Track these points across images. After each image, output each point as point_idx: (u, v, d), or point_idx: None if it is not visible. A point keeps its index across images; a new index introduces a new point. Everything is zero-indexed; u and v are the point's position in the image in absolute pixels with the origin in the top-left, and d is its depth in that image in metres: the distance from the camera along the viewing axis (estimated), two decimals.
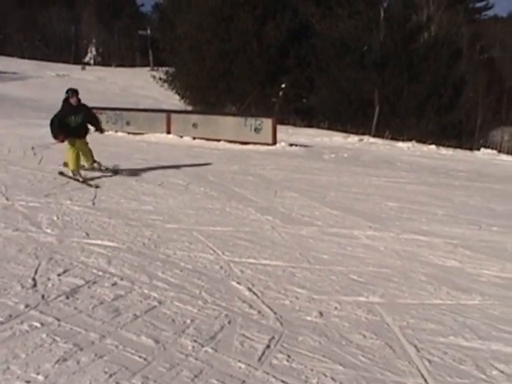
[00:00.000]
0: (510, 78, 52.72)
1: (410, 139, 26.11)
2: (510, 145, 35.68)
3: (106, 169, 12.88)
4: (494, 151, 25.15)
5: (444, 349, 5.03)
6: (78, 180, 11.87)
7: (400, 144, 24.86)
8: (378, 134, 28.42)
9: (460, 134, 32.53)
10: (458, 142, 29.20)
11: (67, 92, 12.36)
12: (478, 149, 25.81)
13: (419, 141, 25.73)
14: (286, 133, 24.62)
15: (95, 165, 12.83)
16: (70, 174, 12.13)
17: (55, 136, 11.89)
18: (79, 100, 12.24)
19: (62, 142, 11.99)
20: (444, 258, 7.78)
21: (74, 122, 12.09)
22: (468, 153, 24.18)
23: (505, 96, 50.78)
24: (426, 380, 4.49)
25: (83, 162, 12.59)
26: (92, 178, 12.19)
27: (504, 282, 6.97)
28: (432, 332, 5.35)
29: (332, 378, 4.42)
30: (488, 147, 27.52)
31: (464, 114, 34.85)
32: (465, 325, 5.56)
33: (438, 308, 5.96)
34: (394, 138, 27.06)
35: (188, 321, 5.27)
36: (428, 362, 4.77)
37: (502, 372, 4.66)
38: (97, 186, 11.42)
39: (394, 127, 29.61)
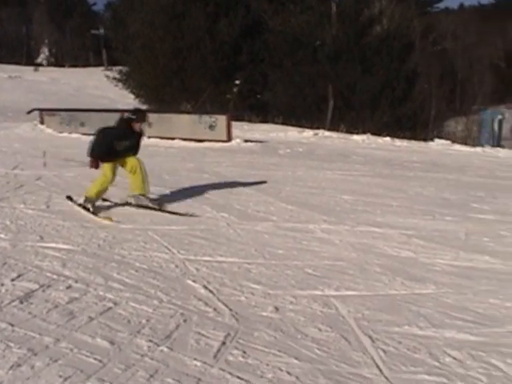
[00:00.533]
0: (463, 69, 53.35)
1: (364, 132, 26.30)
2: (464, 135, 36.15)
3: (159, 209, 9.79)
4: (448, 141, 25.44)
5: (399, 338, 5.09)
6: (87, 209, 9.49)
7: (355, 137, 25.03)
8: (333, 128, 28.57)
9: (414, 125, 32.82)
10: (413, 133, 29.49)
11: (134, 113, 9.79)
12: (432, 139, 26.08)
13: (374, 133, 25.91)
14: (241, 129, 24.63)
15: (142, 199, 9.85)
16: (80, 201, 9.74)
17: (96, 159, 9.41)
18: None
19: (96, 168, 9.48)
20: (398, 249, 7.88)
21: (122, 146, 9.61)
22: (422, 144, 24.43)
23: (458, 87, 51.40)
24: (380, 370, 4.54)
25: (133, 190, 9.89)
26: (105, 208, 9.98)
27: (457, 271, 7.09)
28: (387, 322, 5.41)
29: (288, 372, 4.44)
30: (442, 138, 27.82)
31: (418, 105, 35.14)
32: (419, 314, 5.63)
33: (393, 298, 6.03)
34: (349, 132, 27.24)
35: (143, 321, 5.25)
36: (383, 352, 4.82)
37: (454, 358, 4.74)
38: (110, 219, 9.12)
39: (348, 121, 29.80)
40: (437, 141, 25.25)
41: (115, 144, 9.47)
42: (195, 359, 4.58)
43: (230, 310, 5.58)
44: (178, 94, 34.88)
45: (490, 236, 8.76)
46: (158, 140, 19.99)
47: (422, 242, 8.23)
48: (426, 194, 12.13)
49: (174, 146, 19.17)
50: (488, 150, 23.39)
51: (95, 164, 9.39)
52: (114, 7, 46.61)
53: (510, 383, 4.39)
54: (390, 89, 32.19)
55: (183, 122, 20.60)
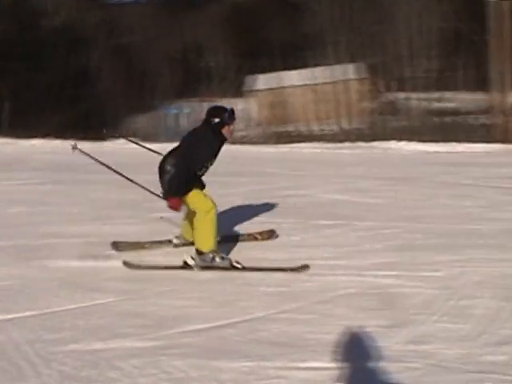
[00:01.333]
0: (145, 64, 54.12)
1: (46, 135, 25.45)
2: (149, 131, 36.74)
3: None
4: (124, 140, 25.47)
5: (64, 358, 4.83)
6: (236, 267, 6.91)
7: (34, 141, 24.30)
8: (10, 133, 27.24)
9: (95, 124, 32.51)
10: (96, 133, 29.19)
11: (224, 112, 7.05)
12: (108, 139, 25.75)
13: (57, 136, 25.16)
14: None
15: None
16: (216, 259, 6.91)
17: (178, 194, 6.93)
18: None
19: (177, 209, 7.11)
20: (77, 260, 7.56)
21: (207, 168, 7.22)
22: (109, 143, 24.06)
23: (143, 82, 51.99)
24: None
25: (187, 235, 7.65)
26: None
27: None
28: (53, 342, 5.12)
29: None
30: (127, 136, 27.79)
31: (101, 102, 35.03)
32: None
33: (61, 314, 5.81)
34: (30, 136, 26.14)
35: None
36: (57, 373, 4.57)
37: None
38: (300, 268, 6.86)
39: (28, 124, 28.68)
40: (121, 140, 25.20)
41: (204, 165, 7.06)
42: None
43: None
44: None
45: None
46: None
47: (101, 248, 7.98)
48: (111, 197, 11.80)
49: None
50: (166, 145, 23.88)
51: (177, 204, 6.98)
52: None
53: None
54: (66, 86, 31.48)
55: None
